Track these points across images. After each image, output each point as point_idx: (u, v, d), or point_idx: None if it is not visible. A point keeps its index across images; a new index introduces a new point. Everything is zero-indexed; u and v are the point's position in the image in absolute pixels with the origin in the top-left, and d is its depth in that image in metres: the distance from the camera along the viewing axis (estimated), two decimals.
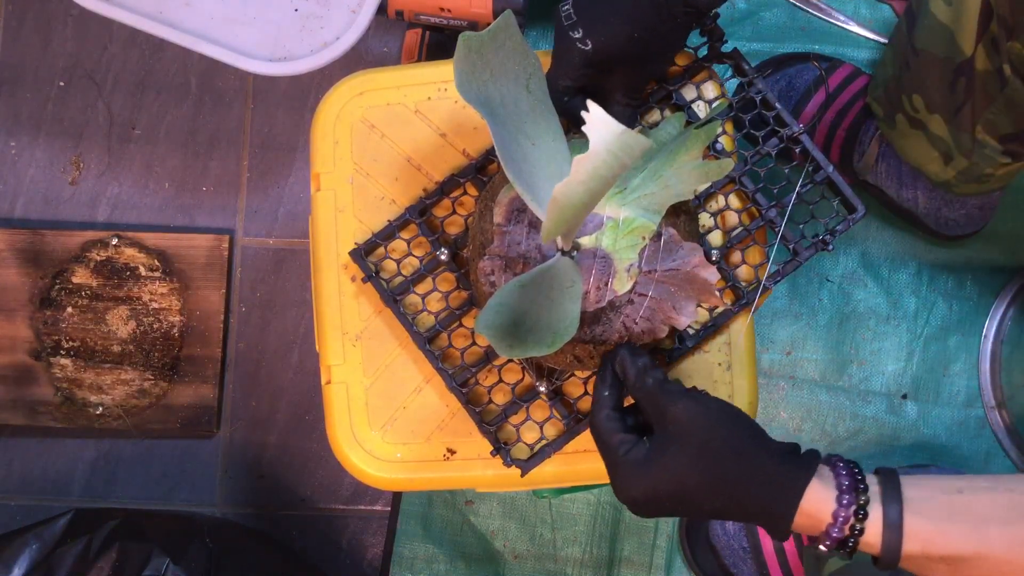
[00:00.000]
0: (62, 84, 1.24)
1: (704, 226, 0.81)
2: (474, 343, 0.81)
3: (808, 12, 1.22)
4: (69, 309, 1.18)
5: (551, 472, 0.81)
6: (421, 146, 0.83)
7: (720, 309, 0.80)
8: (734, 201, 0.82)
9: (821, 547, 0.62)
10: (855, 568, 0.90)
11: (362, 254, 0.81)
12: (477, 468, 0.81)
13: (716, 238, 0.81)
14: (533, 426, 0.80)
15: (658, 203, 0.70)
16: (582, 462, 0.81)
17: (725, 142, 0.82)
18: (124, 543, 0.99)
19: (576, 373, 0.80)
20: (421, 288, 0.81)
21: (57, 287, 1.19)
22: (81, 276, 1.19)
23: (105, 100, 1.23)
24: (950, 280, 1.19)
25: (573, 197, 0.62)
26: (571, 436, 0.79)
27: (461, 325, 0.81)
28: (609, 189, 0.63)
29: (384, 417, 0.81)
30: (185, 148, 1.23)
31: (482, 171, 0.81)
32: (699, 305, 0.73)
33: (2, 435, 1.20)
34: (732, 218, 0.82)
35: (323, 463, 1.20)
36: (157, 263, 1.19)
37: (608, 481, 0.83)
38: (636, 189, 0.71)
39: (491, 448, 0.79)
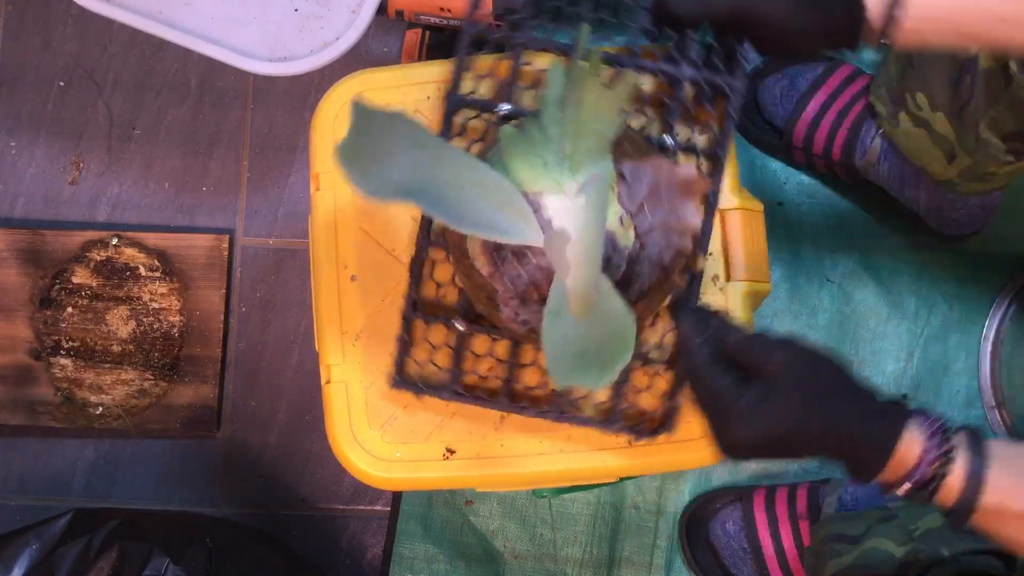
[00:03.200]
0: (62, 84, 1.24)
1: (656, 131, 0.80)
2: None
3: None
4: (69, 309, 1.18)
5: (551, 472, 0.81)
6: None
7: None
8: (651, 87, 0.80)
9: (899, 492, 0.64)
10: (856, 570, 0.90)
11: (406, 377, 0.79)
12: (477, 468, 0.81)
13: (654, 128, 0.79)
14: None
15: (596, 150, 0.69)
16: (582, 462, 0.81)
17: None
18: (124, 543, 0.99)
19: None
20: (468, 364, 0.80)
21: (57, 287, 1.19)
22: (81, 276, 1.19)
23: (105, 100, 1.24)
24: (950, 280, 1.19)
25: (587, 269, 0.62)
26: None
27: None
28: (601, 234, 0.63)
29: (384, 417, 0.81)
30: (185, 148, 1.23)
31: (431, 234, 0.79)
32: (695, 201, 0.72)
33: (2, 435, 1.20)
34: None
35: (323, 463, 1.20)
36: (157, 263, 1.19)
37: (606, 481, 0.83)
38: (568, 157, 0.69)
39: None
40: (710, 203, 0.77)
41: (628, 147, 0.71)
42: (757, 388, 0.65)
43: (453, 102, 0.78)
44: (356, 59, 1.18)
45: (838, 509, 1.07)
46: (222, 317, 1.20)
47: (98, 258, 1.19)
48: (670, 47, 0.78)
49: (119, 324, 1.18)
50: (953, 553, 0.85)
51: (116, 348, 1.18)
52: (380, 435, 0.81)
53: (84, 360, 1.18)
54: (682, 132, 0.80)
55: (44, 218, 1.22)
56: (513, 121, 0.77)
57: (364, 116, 0.64)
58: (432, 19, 1.06)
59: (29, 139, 1.23)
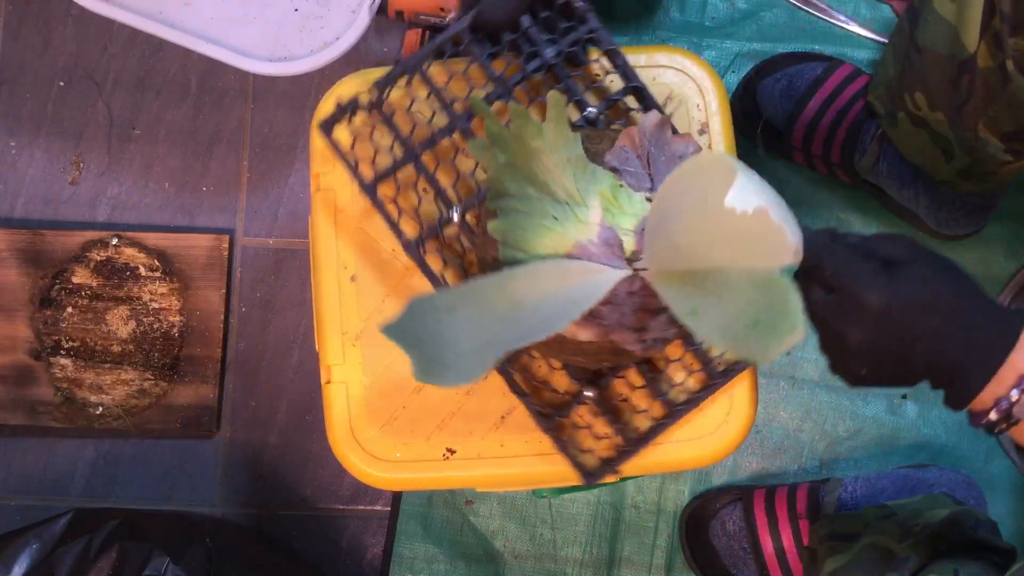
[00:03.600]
0: (62, 84, 1.24)
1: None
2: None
3: (808, 12, 1.22)
4: (69, 309, 1.18)
5: (551, 472, 0.81)
6: None
7: None
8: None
9: (996, 413, 0.64)
10: (853, 567, 0.90)
11: (594, 471, 0.79)
12: (477, 468, 0.81)
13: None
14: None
15: (582, 172, 0.68)
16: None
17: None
18: (124, 543, 0.99)
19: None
20: (626, 412, 0.81)
21: (57, 287, 1.19)
22: (81, 276, 1.19)
23: (105, 100, 1.24)
24: None
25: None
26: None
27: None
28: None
29: (384, 417, 0.81)
30: (185, 148, 1.23)
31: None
32: (675, 132, 0.73)
33: (2, 435, 1.20)
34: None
35: (323, 463, 1.20)
36: (157, 263, 1.19)
37: (606, 481, 0.83)
38: (566, 199, 0.69)
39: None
40: (676, 128, 0.77)
41: (591, 144, 0.71)
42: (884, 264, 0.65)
43: (413, 250, 0.78)
44: (356, 59, 1.18)
45: (838, 509, 1.07)
46: (222, 317, 1.20)
47: (98, 258, 1.19)
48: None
49: (119, 324, 1.18)
50: (951, 549, 0.85)
51: (116, 348, 1.18)
52: (380, 435, 0.81)
53: (84, 360, 1.18)
54: (591, 97, 0.81)
55: (44, 218, 1.22)
56: (470, 215, 0.77)
57: (397, 332, 0.64)
58: (432, 19, 1.06)
59: (29, 139, 1.23)
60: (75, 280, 1.19)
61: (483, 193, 0.77)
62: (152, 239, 1.19)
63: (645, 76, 0.84)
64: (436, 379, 0.62)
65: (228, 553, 1.06)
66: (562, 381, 0.80)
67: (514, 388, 0.77)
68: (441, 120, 0.79)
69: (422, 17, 1.06)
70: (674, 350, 0.80)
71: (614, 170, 0.69)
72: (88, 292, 1.19)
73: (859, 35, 1.21)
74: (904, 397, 1.18)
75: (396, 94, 0.79)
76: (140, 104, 1.23)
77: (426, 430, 0.81)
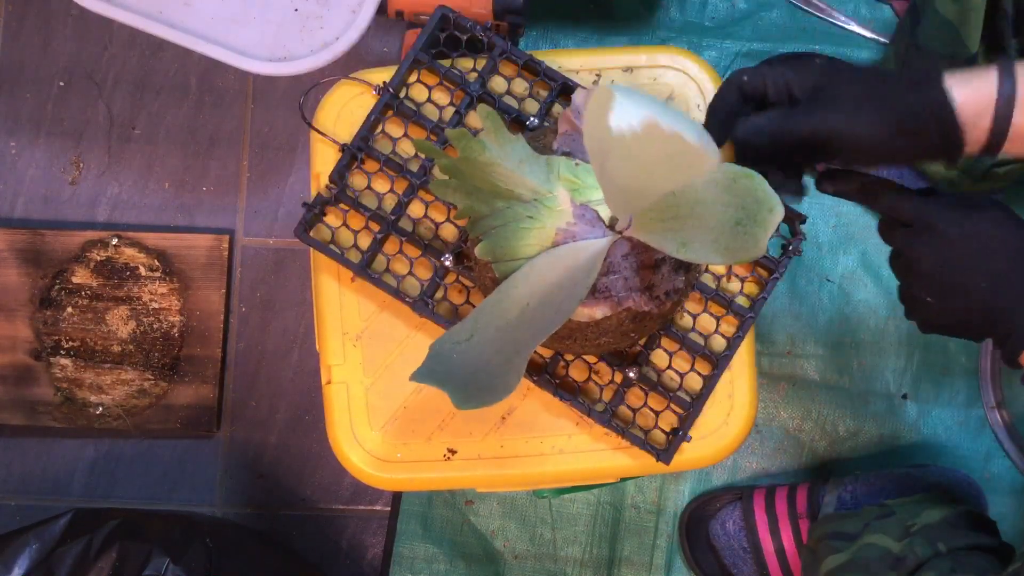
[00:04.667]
0: (62, 84, 1.24)
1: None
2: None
3: (808, 12, 1.22)
4: (69, 309, 1.18)
5: (552, 472, 0.81)
6: None
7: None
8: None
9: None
10: (852, 566, 0.90)
11: (666, 450, 0.80)
12: (477, 468, 0.81)
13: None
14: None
15: (540, 166, 0.70)
16: (582, 462, 0.81)
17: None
18: (124, 543, 0.99)
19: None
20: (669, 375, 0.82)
21: (57, 287, 1.19)
22: (81, 276, 1.19)
23: (105, 100, 1.23)
24: None
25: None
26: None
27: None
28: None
29: (384, 417, 0.81)
30: (185, 148, 1.23)
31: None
32: None
33: (2, 435, 1.20)
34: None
35: (323, 463, 1.20)
36: (157, 263, 1.19)
37: (606, 481, 0.83)
38: (539, 200, 0.70)
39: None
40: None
41: (538, 143, 0.73)
42: None
43: (421, 307, 0.79)
44: (356, 59, 1.18)
45: (838, 508, 1.07)
46: (222, 317, 1.20)
47: (98, 258, 1.19)
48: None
49: (119, 324, 1.18)
50: (949, 548, 0.85)
51: (116, 348, 1.18)
52: (381, 435, 0.81)
53: (84, 360, 1.18)
54: (528, 105, 0.82)
55: (44, 218, 1.22)
56: (472, 239, 0.78)
57: (427, 376, 0.67)
58: None
59: (29, 139, 1.23)
60: (75, 280, 1.19)
61: (464, 230, 0.79)
62: (152, 239, 1.19)
63: (646, 76, 0.84)
64: (477, 402, 0.65)
65: (228, 553, 1.05)
66: (603, 373, 0.81)
67: (562, 396, 0.79)
68: (402, 184, 0.82)
69: (422, 17, 1.06)
70: (695, 305, 0.81)
71: (566, 154, 0.70)
72: (88, 292, 1.19)
73: (859, 35, 1.21)
74: (904, 397, 1.18)
75: (354, 177, 0.82)
76: (140, 104, 1.23)
77: (427, 430, 0.81)
